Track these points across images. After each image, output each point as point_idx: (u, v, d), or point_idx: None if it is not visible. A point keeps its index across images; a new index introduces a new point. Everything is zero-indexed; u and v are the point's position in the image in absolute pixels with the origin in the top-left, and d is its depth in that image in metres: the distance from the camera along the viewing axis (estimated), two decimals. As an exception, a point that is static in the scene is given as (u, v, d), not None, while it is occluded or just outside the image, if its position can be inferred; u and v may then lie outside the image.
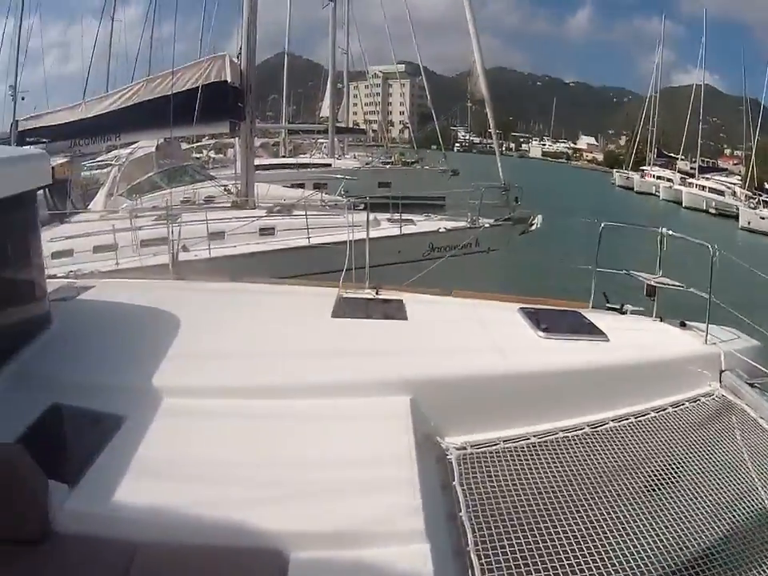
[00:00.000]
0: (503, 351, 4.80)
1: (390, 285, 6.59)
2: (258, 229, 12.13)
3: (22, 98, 31.68)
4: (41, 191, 14.08)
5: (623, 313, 6.00)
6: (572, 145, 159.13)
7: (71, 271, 7.65)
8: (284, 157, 36.26)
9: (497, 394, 4.50)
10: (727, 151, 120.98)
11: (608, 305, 6.07)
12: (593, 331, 5.27)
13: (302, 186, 21.97)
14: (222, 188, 14.97)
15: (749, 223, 44.65)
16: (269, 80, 49.20)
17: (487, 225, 12.29)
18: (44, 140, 15.01)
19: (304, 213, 11.71)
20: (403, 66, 74.97)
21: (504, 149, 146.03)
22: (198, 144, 36.19)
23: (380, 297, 6.19)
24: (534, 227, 12.64)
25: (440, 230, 12.06)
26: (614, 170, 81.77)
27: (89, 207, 15.81)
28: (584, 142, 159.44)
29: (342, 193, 17.57)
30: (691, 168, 69.65)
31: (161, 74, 14.03)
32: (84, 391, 4.03)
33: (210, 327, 5.27)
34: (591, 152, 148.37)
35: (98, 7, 34.13)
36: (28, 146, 15.16)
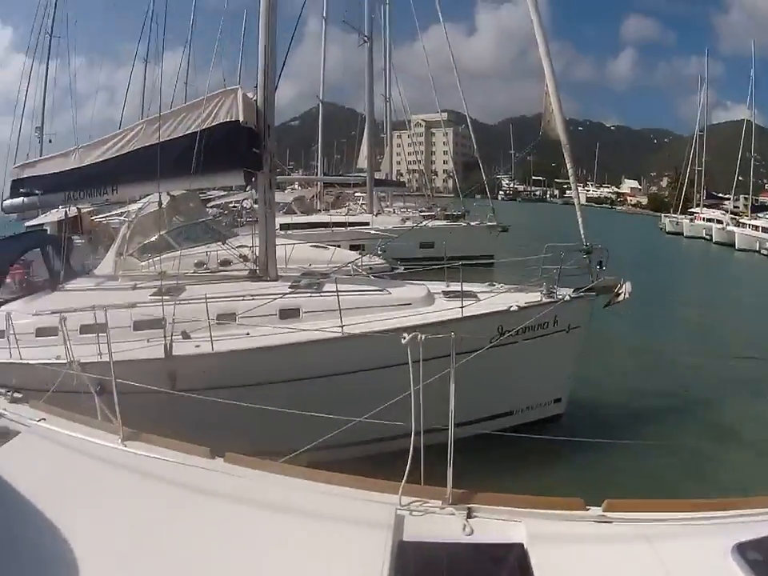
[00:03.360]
0: None
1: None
2: (279, 310, 9.52)
3: (50, 141, 30.89)
4: (37, 249, 12.46)
5: None
6: (615, 189, 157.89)
7: (9, 390, 5.72)
8: (320, 211, 34.46)
9: None
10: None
11: None
12: None
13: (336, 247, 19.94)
14: (237, 254, 12.37)
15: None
16: (313, 131, 48.37)
17: (568, 297, 9.56)
18: (36, 191, 13.04)
19: (335, 289, 9.07)
20: (446, 114, 73.69)
21: (548, 196, 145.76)
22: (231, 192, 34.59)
23: (476, 536, 3.33)
24: (621, 297, 9.69)
25: (511, 309, 9.22)
26: (662, 213, 77.96)
27: (94, 270, 13.97)
28: (627, 186, 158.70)
29: (380, 253, 15.34)
30: (734, 207, 67.42)
31: (165, 113, 11.53)
32: None
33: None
34: (635, 196, 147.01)
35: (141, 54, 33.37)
36: (20, 198, 13.36)
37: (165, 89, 36.50)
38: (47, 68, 31.55)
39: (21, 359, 8.79)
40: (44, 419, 4.94)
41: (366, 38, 33.96)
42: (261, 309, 9.32)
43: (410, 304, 9.53)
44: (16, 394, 5.61)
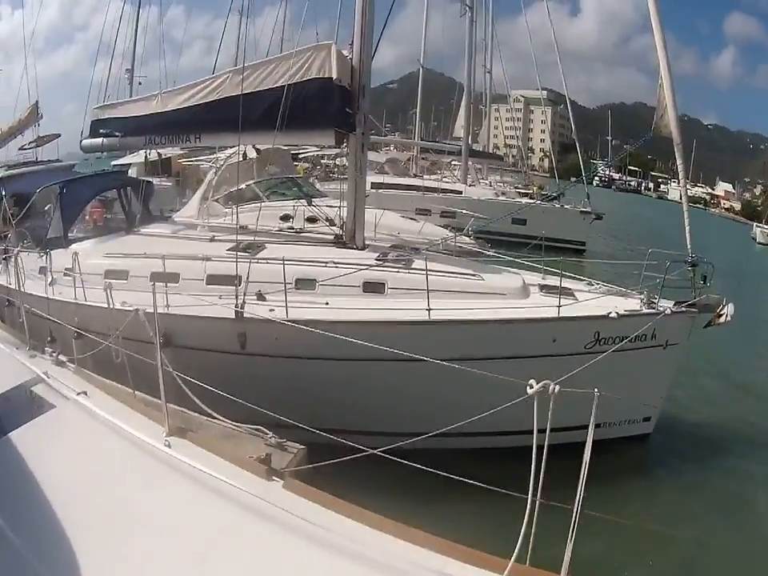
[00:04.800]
0: None
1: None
2: (363, 282, 8.89)
3: (140, 83, 31.47)
4: (113, 191, 12.22)
5: None
6: (709, 190, 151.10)
7: (54, 351, 5.53)
8: (414, 176, 33.70)
9: None
10: None
11: None
12: None
13: (426, 212, 19.23)
14: (323, 215, 11.68)
15: None
16: (410, 95, 48.05)
17: (669, 311, 8.60)
18: (116, 133, 12.75)
19: (425, 267, 8.27)
20: (545, 92, 71.51)
21: (643, 188, 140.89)
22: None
23: None
24: (723, 319, 8.71)
25: (611, 315, 8.38)
26: (754, 222, 73.95)
27: (178, 212, 13.78)
28: (722, 188, 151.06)
29: (470, 233, 14.61)
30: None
31: (251, 64, 10.80)
32: None
33: None
34: (728, 200, 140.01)
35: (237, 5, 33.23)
36: (99, 139, 13.10)
37: (260, 43, 36.22)
38: (138, 13, 32.72)
39: (86, 300, 8.51)
40: (84, 392, 4.44)
41: (467, 8, 33.16)
42: (344, 278, 8.74)
43: (504, 294, 8.85)
44: (61, 357, 5.23)
